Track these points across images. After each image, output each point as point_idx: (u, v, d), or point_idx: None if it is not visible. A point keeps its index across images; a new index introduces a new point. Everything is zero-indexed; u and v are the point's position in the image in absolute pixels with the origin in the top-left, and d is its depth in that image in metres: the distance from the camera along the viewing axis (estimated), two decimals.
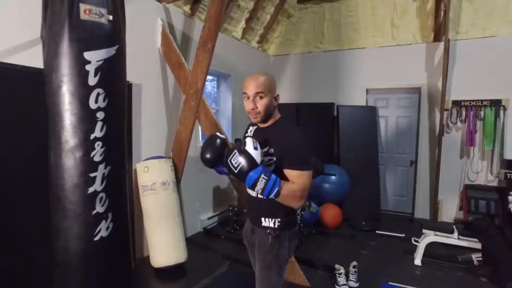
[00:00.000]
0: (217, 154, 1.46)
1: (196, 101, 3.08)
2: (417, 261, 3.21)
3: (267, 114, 1.51)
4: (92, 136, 1.56)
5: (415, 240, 3.32)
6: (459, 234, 3.15)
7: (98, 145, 1.56)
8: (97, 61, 1.56)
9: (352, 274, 2.83)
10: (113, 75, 1.66)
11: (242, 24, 4.80)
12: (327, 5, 5.23)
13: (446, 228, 3.24)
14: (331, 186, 4.24)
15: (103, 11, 1.55)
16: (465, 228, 3.20)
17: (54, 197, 1.59)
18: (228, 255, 3.34)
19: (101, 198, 1.59)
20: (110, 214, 1.64)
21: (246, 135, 1.67)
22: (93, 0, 1.54)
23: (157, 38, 3.34)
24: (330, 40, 5.29)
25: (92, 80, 1.54)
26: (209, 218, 4.22)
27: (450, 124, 4.51)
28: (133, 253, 3.12)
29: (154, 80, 3.36)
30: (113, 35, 1.62)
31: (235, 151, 1.34)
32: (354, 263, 2.91)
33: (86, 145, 1.55)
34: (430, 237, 3.22)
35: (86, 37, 1.53)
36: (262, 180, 1.33)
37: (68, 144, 1.52)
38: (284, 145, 1.46)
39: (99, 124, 1.57)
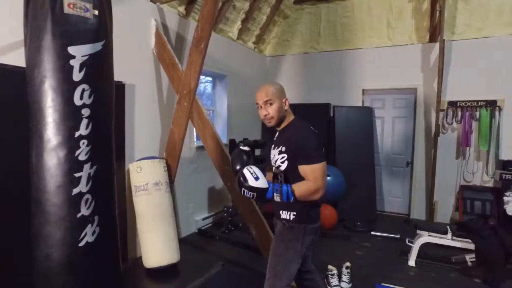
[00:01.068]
0: (244, 165, 1.64)
1: (189, 101, 3.08)
2: (411, 262, 3.20)
3: (280, 118, 1.69)
4: (77, 134, 1.48)
5: (409, 241, 3.31)
6: (453, 234, 3.14)
7: (83, 143, 1.49)
8: (82, 56, 1.50)
9: (345, 275, 2.82)
10: (100, 72, 1.60)
11: (238, 24, 4.80)
12: (323, 6, 5.24)
13: (440, 229, 3.23)
14: (326, 187, 4.23)
15: (88, 5, 1.51)
16: (459, 228, 3.19)
17: (35, 200, 1.49)
18: (222, 256, 3.34)
19: (87, 199, 1.50)
20: (96, 218, 1.54)
21: (274, 139, 1.85)
22: None
23: (151, 39, 3.34)
24: (326, 40, 5.29)
25: (76, 76, 1.48)
26: (203, 219, 4.21)
27: (446, 125, 4.50)
28: (126, 254, 3.11)
29: (147, 81, 3.36)
30: (99, 30, 1.57)
31: (243, 188, 1.50)
32: (347, 264, 2.91)
33: (70, 143, 1.47)
34: (424, 237, 3.21)
35: (71, 31, 1.47)
36: (276, 197, 1.52)
37: (50, 142, 1.45)
38: (293, 144, 1.61)
39: (84, 122, 1.49)
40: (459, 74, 4.39)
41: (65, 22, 1.46)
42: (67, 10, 1.45)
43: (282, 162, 1.65)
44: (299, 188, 1.53)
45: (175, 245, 3.02)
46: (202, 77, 4.75)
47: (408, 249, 3.31)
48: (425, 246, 3.23)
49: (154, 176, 3.02)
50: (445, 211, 4.55)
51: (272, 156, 1.78)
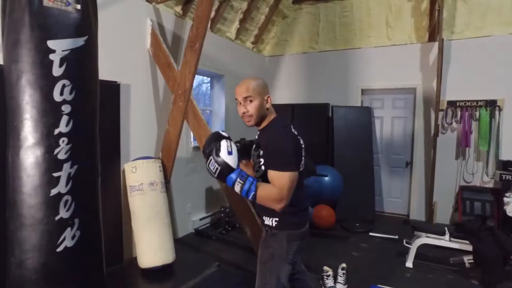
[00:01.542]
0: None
1: (185, 101, 3.07)
2: (408, 263, 3.17)
3: (259, 116, 1.55)
4: (57, 131, 1.39)
5: (406, 242, 3.28)
6: (451, 236, 3.10)
7: (63, 141, 1.40)
8: (63, 50, 1.42)
9: (340, 276, 2.79)
10: (82, 67, 1.52)
11: (236, 24, 4.79)
12: (322, 5, 5.21)
13: (438, 230, 3.20)
14: (324, 187, 4.22)
15: None
16: (457, 229, 3.15)
17: (10, 202, 1.40)
18: (218, 257, 3.32)
19: (66, 201, 1.40)
20: (76, 221, 1.43)
21: (255, 138, 1.72)
22: None
23: (147, 39, 3.34)
24: (325, 40, 5.27)
25: (56, 71, 1.40)
26: (201, 219, 4.20)
27: (445, 125, 4.46)
28: (122, 254, 3.11)
29: (143, 81, 3.36)
30: (82, 25, 1.50)
31: (211, 157, 1.38)
32: (343, 265, 2.88)
33: (49, 141, 1.38)
34: (421, 239, 3.18)
35: (50, 24, 1.40)
36: (238, 184, 1.38)
37: (27, 140, 1.37)
38: (267, 147, 1.50)
39: (64, 118, 1.41)
40: (459, 74, 4.35)
41: (45, 15, 1.39)
42: (46, 2, 1.39)
43: (260, 167, 1.55)
44: (263, 188, 1.42)
45: (170, 246, 3.00)
46: (204, 78, 4.76)
47: (406, 251, 3.27)
48: (424, 248, 3.19)
49: (149, 176, 3.01)
50: (444, 212, 4.51)
51: (252, 157, 1.68)
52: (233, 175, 1.37)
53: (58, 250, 1.39)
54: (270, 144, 1.49)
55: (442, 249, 3.23)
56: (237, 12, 4.67)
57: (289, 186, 1.41)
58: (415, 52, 4.63)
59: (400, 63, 4.71)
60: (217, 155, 1.37)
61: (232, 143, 1.42)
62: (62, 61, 1.41)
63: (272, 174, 1.44)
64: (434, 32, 4.46)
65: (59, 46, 1.41)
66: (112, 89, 2.93)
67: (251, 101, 1.52)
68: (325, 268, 2.83)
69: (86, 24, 1.52)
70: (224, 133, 1.56)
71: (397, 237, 3.83)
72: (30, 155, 1.37)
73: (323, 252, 3.48)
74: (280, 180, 1.41)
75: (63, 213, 1.40)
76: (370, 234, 4.01)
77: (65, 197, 1.41)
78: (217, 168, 1.37)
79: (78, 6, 1.47)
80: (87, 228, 1.50)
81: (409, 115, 4.77)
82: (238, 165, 1.41)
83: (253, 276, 1.66)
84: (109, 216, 2.99)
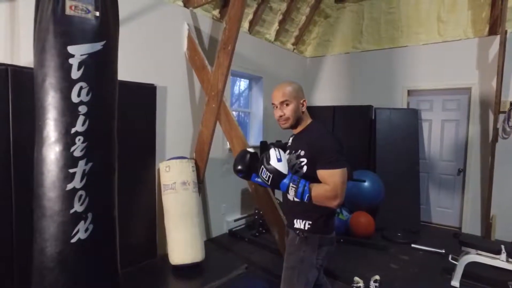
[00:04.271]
0: (246, 166, 1.61)
1: (217, 103, 3.12)
2: (455, 282, 2.85)
3: (296, 119, 1.61)
4: (73, 130, 1.49)
5: (452, 258, 2.96)
6: (509, 256, 2.72)
7: (79, 139, 1.50)
8: (81, 55, 1.53)
9: None
10: (99, 70, 1.61)
11: (275, 26, 4.77)
12: (367, 3, 4.97)
13: (492, 248, 2.82)
14: (362, 193, 3.99)
15: (90, 7, 1.56)
16: None
17: (35, 194, 1.52)
18: (248, 258, 3.31)
19: (80, 196, 1.49)
20: (90, 215, 1.51)
21: (288, 144, 1.76)
22: None
23: (184, 42, 3.46)
24: (369, 39, 5.01)
25: (75, 74, 1.50)
26: (235, 220, 4.23)
27: (507, 129, 3.94)
28: (155, 249, 3.24)
29: (179, 83, 3.48)
30: (100, 30, 1.59)
31: (262, 166, 1.44)
32: (376, 277, 2.69)
33: (66, 139, 1.49)
34: (470, 255, 2.84)
35: (71, 31, 1.52)
36: (291, 188, 1.43)
37: (49, 138, 1.48)
38: (313, 147, 1.51)
39: (81, 118, 1.51)
40: None
41: (66, 23, 1.52)
42: (68, 11, 1.52)
43: (301, 168, 1.54)
44: (317, 188, 1.43)
45: (199, 244, 3.06)
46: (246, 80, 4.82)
47: (454, 267, 2.95)
48: (477, 266, 2.84)
49: (182, 175, 3.11)
50: (506, 228, 3.97)
51: (288, 161, 1.67)
52: (286, 181, 1.43)
53: (72, 241, 1.49)
54: (315, 144, 1.51)
55: (500, 271, 2.85)
56: (276, 13, 4.65)
57: (341, 182, 1.44)
58: (471, 48, 4.19)
59: (453, 61, 4.30)
60: (268, 163, 1.42)
61: (280, 150, 1.47)
62: (80, 64, 1.53)
63: (323, 173, 1.46)
64: (495, 24, 3.99)
65: (78, 51, 1.53)
66: (149, 92, 3.08)
67: (287, 104, 1.58)
68: (356, 279, 2.67)
69: (104, 29, 1.63)
70: (250, 150, 1.66)
71: (443, 251, 3.48)
72: (50, 152, 1.49)
73: (357, 261, 3.29)
74: (332, 178, 1.43)
75: (77, 207, 1.50)
76: (413, 245, 3.69)
77: (80, 192, 1.50)
78: (269, 176, 1.42)
79: (97, 13, 1.58)
80: (100, 222, 1.58)
81: (463, 118, 4.32)
82: (288, 171, 1.46)
83: (280, 281, 1.62)
84: (144, 213, 3.15)
